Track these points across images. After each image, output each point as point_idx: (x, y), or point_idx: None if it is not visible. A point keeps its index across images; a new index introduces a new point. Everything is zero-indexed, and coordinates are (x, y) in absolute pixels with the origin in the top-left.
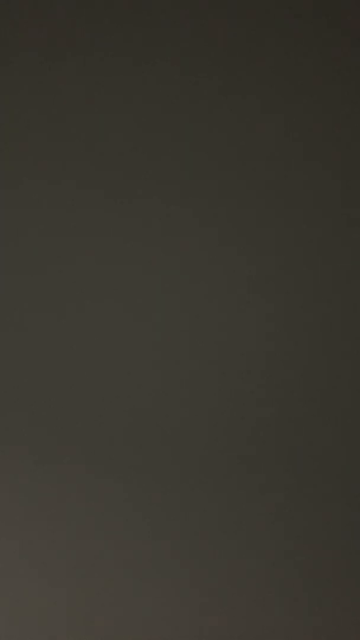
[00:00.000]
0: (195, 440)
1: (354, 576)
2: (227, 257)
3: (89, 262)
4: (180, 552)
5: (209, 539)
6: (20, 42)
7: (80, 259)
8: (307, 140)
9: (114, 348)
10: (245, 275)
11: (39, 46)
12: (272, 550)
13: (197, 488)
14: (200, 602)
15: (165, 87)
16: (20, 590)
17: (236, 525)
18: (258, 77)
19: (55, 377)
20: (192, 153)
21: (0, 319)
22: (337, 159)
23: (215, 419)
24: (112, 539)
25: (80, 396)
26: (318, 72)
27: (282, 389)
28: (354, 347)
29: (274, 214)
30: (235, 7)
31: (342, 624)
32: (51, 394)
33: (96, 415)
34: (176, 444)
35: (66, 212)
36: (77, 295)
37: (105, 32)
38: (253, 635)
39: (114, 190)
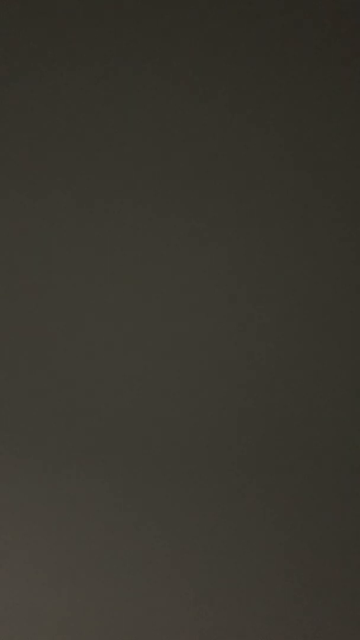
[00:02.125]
0: (196, 443)
1: (355, 577)
2: (227, 261)
3: (86, 268)
4: (180, 552)
5: (210, 540)
6: (18, 44)
7: (77, 266)
8: (307, 147)
9: (114, 352)
10: (246, 279)
11: (37, 50)
12: (273, 552)
13: (198, 489)
14: (200, 600)
15: (165, 90)
16: (20, 591)
17: (237, 526)
18: (258, 80)
19: (52, 379)
20: (192, 157)
21: (0, 320)
22: (340, 168)
23: (217, 422)
24: (112, 540)
25: (81, 398)
26: (318, 77)
27: (283, 392)
28: (355, 351)
29: (274, 217)
30: (237, 16)
31: (342, 626)
32: (52, 395)
33: (97, 417)
34: (177, 446)
35: (66, 216)
36: (78, 298)
37: (104, 38)
38: (253, 636)
39: (113, 196)
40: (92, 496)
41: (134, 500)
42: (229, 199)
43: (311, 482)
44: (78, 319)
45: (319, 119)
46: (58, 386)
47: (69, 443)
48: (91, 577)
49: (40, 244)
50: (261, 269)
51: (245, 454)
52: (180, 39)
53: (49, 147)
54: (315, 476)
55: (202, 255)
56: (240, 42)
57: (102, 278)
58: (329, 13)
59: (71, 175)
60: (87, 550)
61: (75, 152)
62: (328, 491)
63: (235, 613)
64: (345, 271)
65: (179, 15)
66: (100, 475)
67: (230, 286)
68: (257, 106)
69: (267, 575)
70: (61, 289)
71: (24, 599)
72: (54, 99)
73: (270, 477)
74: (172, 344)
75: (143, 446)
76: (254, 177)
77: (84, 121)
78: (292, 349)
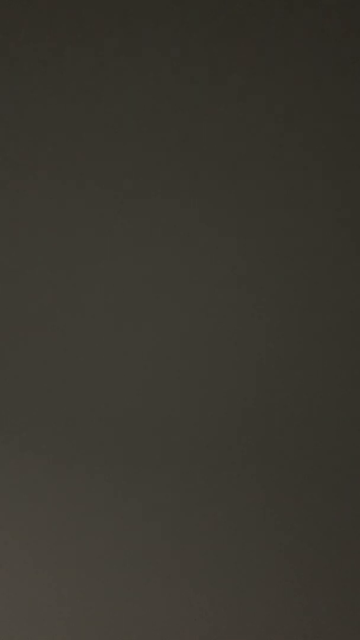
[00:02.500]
0: (197, 443)
1: (355, 577)
2: (227, 259)
3: (88, 264)
4: (179, 550)
5: (210, 540)
6: (20, 41)
7: (79, 260)
8: (308, 143)
9: (113, 349)
10: (245, 276)
11: (40, 45)
12: (274, 552)
13: (198, 488)
14: (198, 598)
15: (167, 87)
16: (19, 591)
17: (237, 526)
18: (258, 79)
19: (54, 376)
20: (193, 155)
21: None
22: (339, 163)
23: (215, 419)
24: (111, 538)
25: (82, 398)
26: (318, 73)
27: (284, 391)
28: (353, 347)
29: (273, 214)
30: (235, 11)
31: (341, 622)
32: (51, 393)
33: (95, 415)
34: (178, 446)
35: (65, 215)
36: (76, 296)
37: (106, 32)
38: (252, 635)
39: (113, 193)
40: (93, 496)
41: (134, 500)
42: (230, 201)
43: (312, 483)
44: (79, 316)
45: (323, 111)
46: (60, 384)
47: (70, 442)
48: (91, 576)
49: (41, 243)
50: (263, 269)
51: (246, 453)
52: (180, 28)
53: (50, 141)
54: (315, 476)
55: (204, 256)
56: (241, 33)
57: (104, 278)
58: (329, 13)
59: (73, 177)
60: (87, 549)
61: (79, 149)
62: (329, 491)
63: (235, 613)
64: (347, 272)
65: (180, 12)
66: (101, 475)
67: (232, 287)
68: (259, 103)
69: (268, 575)
70: (63, 285)
71: (23, 597)
72: (54, 90)
73: (271, 477)
74: (173, 343)
75: (144, 445)
76: (257, 176)
77: (86, 122)
78: (293, 349)
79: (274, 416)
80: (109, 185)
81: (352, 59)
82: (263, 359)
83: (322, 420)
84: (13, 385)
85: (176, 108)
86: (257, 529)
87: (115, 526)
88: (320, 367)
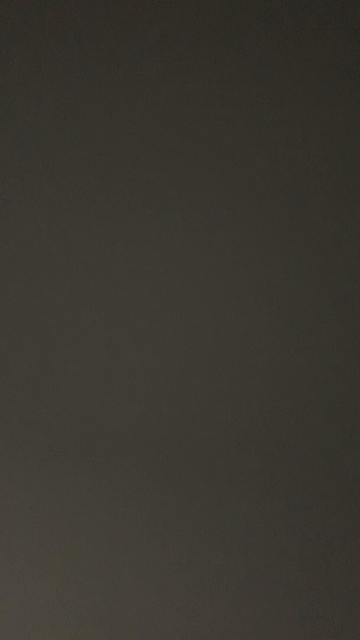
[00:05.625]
0: (196, 444)
1: (354, 574)
2: (228, 258)
3: (88, 264)
4: (181, 556)
5: (210, 540)
6: (21, 39)
7: (80, 261)
8: (309, 141)
9: (113, 350)
10: (246, 277)
11: (40, 44)
12: (274, 553)
13: (198, 490)
14: (199, 600)
15: (167, 86)
16: (19, 594)
17: (236, 525)
18: (258, 78)
19: (55, 379)
20: (194, 154)
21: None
22: (340, 161)
23: (217, 422)
24: (112, 541)
25: (80, 398)
26: (318, 72)
27: (284, 393)
28: (355, 349)
29: (275, 215)
30: (234, 9)
31: (342, 625)
32: (52, 395)
33: (96, 417)
34: (177, 447)
35: (66, 213)
36: (77, 296)
37: (105, 33)
38: (253, 636)
39: (115, 191)
40: (94, 501)
41: (135, 504)
42: (232, 206)
43: (315, 492)
44: (80, 319)
45: (325, 121)
46: (60, 385)
47: (69, 444)
48: (91, 578)
49: (42, 245)
50: (265, 274)
51: (249, 463)
52: (182, 39)
53: (49, 145)
54: (320, 486)
55: (204, 257)
56: (243, 38)
57: (105, 283)
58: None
59: (74, 187)
60: (88, 551)
61: (77, 147)
62: (333, 501)
63: (235, 615)
64: (347, 282)
65: (181, 15)
66: (102, 481)
67: (234, 292)
68: (260, 106)
69: (270, 581)
70: (63, 288)
71: (22, 597)
72: (53, 98)
73: (275, 488)
74: (173, 346)
75: (146, 451)
76: (258, 178)
77: (87, 126)
78: (298, 361)
79: (277, 427)
80: (108, 191)
81: (355, 65)
82: (267, 369)
83: (326, 431)
84: (12, 387)
85: (177, 110)
86: (260, 538)
87: (117, 529)
88: (326, 379)
